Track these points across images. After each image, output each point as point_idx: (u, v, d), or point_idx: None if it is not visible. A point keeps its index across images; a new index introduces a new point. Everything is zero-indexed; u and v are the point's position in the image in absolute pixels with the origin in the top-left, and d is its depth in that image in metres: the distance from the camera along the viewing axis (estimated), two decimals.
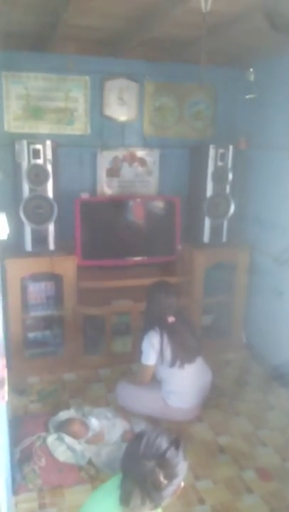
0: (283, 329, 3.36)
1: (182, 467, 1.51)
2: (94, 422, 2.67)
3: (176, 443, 1.52)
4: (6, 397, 1.74)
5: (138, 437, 1.54)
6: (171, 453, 1.48)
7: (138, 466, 1.45)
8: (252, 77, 3.47)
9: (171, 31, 2.82)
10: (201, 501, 2.32)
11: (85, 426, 2.65)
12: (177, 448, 1.51)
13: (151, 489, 1.43)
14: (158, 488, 1.44)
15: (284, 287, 3.31)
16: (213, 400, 3.08)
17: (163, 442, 1.49)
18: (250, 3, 2.24)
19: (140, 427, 2.75)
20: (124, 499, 1.46)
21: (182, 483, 1.53)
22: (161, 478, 1.44)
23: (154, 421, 2.83)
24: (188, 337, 2.89)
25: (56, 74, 3.41)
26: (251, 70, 3.46)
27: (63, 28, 2.77)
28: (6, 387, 1.72)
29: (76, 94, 3.49)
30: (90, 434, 2.62)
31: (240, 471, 2.53)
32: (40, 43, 3.15)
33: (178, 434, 1.87)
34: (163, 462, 1.45)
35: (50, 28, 2.83)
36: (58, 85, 3.44)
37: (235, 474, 2.51)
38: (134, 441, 1.56)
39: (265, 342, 3.64)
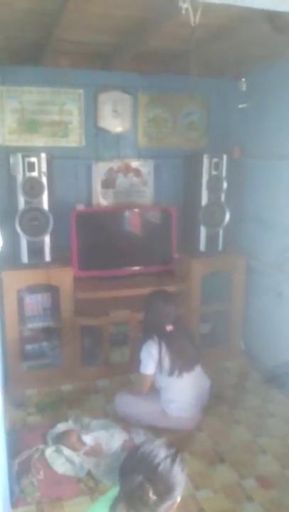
0: (282, 336, 3.36)
1: (179, 481, 1.44)
2: (87, 438, 2.64)
3: (172, 457, 1.46)
4: (3, 410, 1.73)
5: (134, 449, 1.52)
6: (164, 468, 1.42)
7: (127, 480, 1.42)
8: (244, 87, 3.51)
9: (162, 44, 2.87)
10: (201, 511, 2.30)
11: (81, 441, 2.64)
12: (173, 462, 1.45)
13: (138, 504, 1.39)
14: (145, 503, 1.38)
15: (283, 290, 3.31)
16: (212, 408, 3.07)
17: (158, 456, 1.44)
18: (239, 16, 2.28)
19: (140, 437, 2.74)
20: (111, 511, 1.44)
21: (179, 498, 1.47)
22: (150, 494, 1.38)
23: (153, 431, 2.82)
24: (187, 345, 2.89)
25: (50, 87, 3.45)
26: (243, 80, 3.50)
27: (56, 43, 2.81)
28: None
29: (70, 107, 3.53)
30: (88, 446, 2.61)
31: (240, 479, 2.52)
32: (33, 57, 3.19)
33: (177, 443, 1.85)
34: (154, 477, 1.40)
35: (43, 42, 2.88)
36: (53, 99, 3.47)
37: (235, 483, 2.49)
38: (130, 453, 1.53)
39: (263, 349, 3.64)
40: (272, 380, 3.25)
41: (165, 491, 1.41)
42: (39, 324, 3.43)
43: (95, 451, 2.58)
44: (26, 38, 2.83)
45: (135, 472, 1.41)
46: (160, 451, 1.46)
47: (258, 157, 3.54)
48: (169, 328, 2.86)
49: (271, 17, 2.24)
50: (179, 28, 2.30)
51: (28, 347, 3.50)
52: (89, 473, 2.47)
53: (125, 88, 3.63)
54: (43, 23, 2.49)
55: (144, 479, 1.39)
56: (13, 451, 2.50)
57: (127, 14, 2.35)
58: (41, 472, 2.45)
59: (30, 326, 3.40)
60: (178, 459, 1.48)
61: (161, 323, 2.85)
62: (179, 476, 1.45)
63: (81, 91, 3.53)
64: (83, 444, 2.62)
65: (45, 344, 3.54)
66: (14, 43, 2.95)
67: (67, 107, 3.52)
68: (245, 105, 3.63)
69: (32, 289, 3.39)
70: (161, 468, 1.42)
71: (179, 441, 2.70)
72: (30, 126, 3.45)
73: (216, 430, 2.93)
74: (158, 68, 3.54)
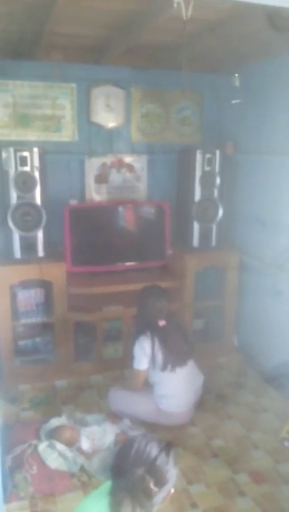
0: (275, 332, 3.38)
1: (172, 474, 1.50)
2: (84, 441, 2.64)
3: (166, 449, 1.51)
4: None
5: (128, 444, 1.54)
6: (161, 460, 1.47)
7: (128, 474, 1.44)
8: (237, 83, 3.52)
9: (154, 38, 2.85)
10: (194, 505, 2.31)
11: (77, 432, 2.64)
12: (168, 454, 1.50)
13: (141, 497, 1.42)
14: (149, 495, 1.43)
15: (279, 288, 3.32)
16: (205, 403, 3.08)
17: (153, 449, 1.49)
18: (232, 10, 2.27)
19: (134, 431, 2.75)
20: (115, 507, 1.45)
21: (172, 490, 1.53)
22: (152, 486, 1.43)
23: (147, 425, 2.82)
24: (180, 341, 2.89)
25: (43, 81, 3.43)
26: (236, 75, 3.51)
27: (48, 37, 2.79)
28: None
29: (63, 102, 3.51)
30: (83, 444, 2.61)
31: (233, 474, 2.53)
32: (25, 51, 3.17)
33: (170, 438, 1.87)
34: (153, 469, 1.45)
35: (35, 36, 2.85)
36: (45, 93, 3.45)
37: (228, 478, 2.50)
38: (124, 448, 1.55)
39: (256, 345, 3.65)
40: (270, 381, 3.26)
41: (163, 482, 1.46)
42: (32, 320, 3.41)
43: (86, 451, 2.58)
44: (18, 31, 2.80)
45: (135, 465, 1.44)
46: (154, 445, 1.50)
47: (251, 153, 3.54)
48: (162, 323, 2.86)
49: (269, 15, 2.23)
50: (171, 22, 2.28)
51: (22, 342, 3.49)
52: (82, 468, 2.47)
53: (118, 83, 3.61)
54: (35, 16, 2.46)
55: (145, 472, 1.43)
56: (6, 447, 2.50)
57: (119, 8, 2.33)
58: (34, 467, 2.45)
59: (23, 321, 3.39)
60: (171, 452, 1.52)
61: (153, 319, 2.86)
62: (173, 469, 1.51)
63: (74, 85, 3.51)
64: (79, 434, 2.62)
65: (38, 340, 3.53)
66: (6, 36, 2.91)
67: (59, 101, 3.50)
68: (238, 101, 3.62)
69: (25, 285, 3.38)
70: (158, 461, 1.46)
71: (172, 436, 2.71)
72: (22, 120, 3.43)
73: (209, 425, 2.94)
74: (151, 63, 3.52)
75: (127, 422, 2.83)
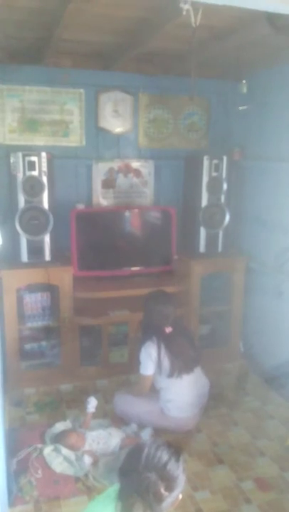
0: (281, 338, 3.37)
1: (182, 479, 1.50)
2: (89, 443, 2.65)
3: (176, 455, 1.52)
4: (2, 409, 1.73)
5: (138, 449, 1.53)
6: (172, 465, 1.47)
7: (140, 478, 1.44)
8: (245, 89, 3.52)
9: (163, 45, 2.87)
10: None
11: (82, 437, 2.64)
12: (177, 460, 1.50)
13: (152, 501, 1.42)
14: (159, 499, 1.43)
15: (286, 294, 3.31)
16: (211, 409, 3.07)
17: (164, 454, 1.48)
18: (240, 17, 2.28)
19: (144, 432, 2.76)
20: (126, 510, 1.45)
21: (180, 495, 1.53)
22: (162, 490, 1.43)
23: (152, 431, 2.82)
24: (186, 347, 2.88)
25: (51, 87, 3.46)
26: (244, 81, 3.51)
27: (57, 43, 2.81)
28: None
29: (71, 107, 3.53)
30: (87, 447, 2.60)
31: (238, 481, 2.52)
32: (34, 56, 3.20)
33: (176, 443, 1.85)
34: (164, 474, 1.45)
35: (44, 42, 2.88)
36: (53, 98, 3.48)
37: (233, 484, 2.49)
38: (134, 452, 1.54)
39: (262, 351, 3.64)
40: (271, 382, 3.25)
41: (173, 487, 1.46)
42: (38, 323, 3.42)
43: (91, 454, 2.58)
44: (27, 37, 2.83)
45: (147, 470, 1.44)
46: (164, 451, 1.50)
47: (258, 159, 3.54)
48: (168, 330, 2.85)
49: (272, 18, 2.24)
50: (179, 29, 2.30)
51: (27, 346, 3.50)
52: (87, 473, 2.47)
53: (126, 88, 3.63)
54: (44, 22, 2.49)
55: (157, 476, 1.43)
56: (11, 450, 2.51)
57: (128, 15, 2.36)
58: (39, 471, 2.45)
59: (29, 325, 3.40)
60: (181, 458, 1.52)
61: (160, 325, 2.85)
62: (182, 474, 1.51)
63: (82, 91, 3.53)
64: (84, 439, 2.62)
65: (44, 343, 3.54)
66: (15, 42, 2.95)
67: (68, 106, 3.52)
68: (245, 107, 3.64)
69: (31, 288, 3.39)
70: (169, 466, 1.47)
71: (178, 441, 2.70)
72: (30, 125, 3.46)
73: (215, 431, 2.93)
74: (159, 69, 3.55)
75: (134, 426, 2.83)
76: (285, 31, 2.31)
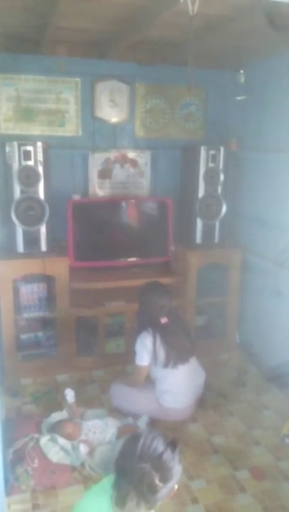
0: (277, 329, 3.38)
1: (177, 470, 1.51)
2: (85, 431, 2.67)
3: (172, 446, 1.52)
4: None
5: (134, 439, 1.53)
6: (167, 456, 1.48)
7: (134, 468, 1.45)
8: (242, 79, 3.51)
9: (160, 34, 2.84)
10: (195, 501, 2.32)
11: (78, 427, 2.65)
12: (173, 451, 1.51)
13: (146, 492, 1.43)
14: (153, 490, 1.43)
15: (282, 287, 3.31)
16: (206, 400, 3.08)
17: (159, 445, 1.49)
18: (238, 6, 2.25)
19: (141, 420, 2.77)
20: (120, 501, 1.46)
21: (176, 486, 1.53)
22: (157, 481, 1.43)
23: (148, 421, 2.83)
24: (182, 338, 2.89)
25: (47, 76, 3.42)
26: (241, 71, 3.50)
27: (53, 31, 2.78)
28: None
29: (67, 96, 3.50)
30: (83, 437, 2.62)
31: (234, 470, 2.54)
32: (30, 45, 3.16)
33: (171, 434, 1.87)
34: (159, 465, 1.45)
35: (40, 30, 2.85)
36: (49, 87, 3.44)
37: (228, 474, 2.51)
38: (130, 442, 1.54)
39: (258, 342, 3.65)
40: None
41: (168, 478, 1.46)
42: (35, 314, 3.42)
43: (87, 443, 2.59)
44: (23, 25, 2.79)
45: (142, 460, 1.44)
46: (160, 441, 1.50)
47: (256, 150, 3.53)
48: (164, 320, 2.86)
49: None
50: (177, 18, 2.28)
51: (24, 337, 3.50)
52: (83, 462, 2.48)
53: (122, 78, 3.60)
54: (40, 10, 2.46)
55: (151, 467, 1.43)
56: (7, 440, 2.51)
57: (125, 2, 2.32)
58: (36, 461, 2.46)
59: (25, 315, 3.40)
60: (177, 449, 1.52)
61: (155, 316, 2.86)
62: (178, 465, 1.51)
63: (78, 80, 3.50)
64: (80, 429, 2.63)
65: (40, 334, 3.54)
66: (11, 30, 2.91)
67: (63, 95, 3.49)
68: (243, 97, 3.61)
69: (28, 279, 3.38)
70: (164, 456, 1.46)
71: (174, 432, 2.72)
72: (26, 114, 3.43)
73: (210, 422, 2.95)
74: (156, 58, 3.51)
75: (130, 420, 2.83)
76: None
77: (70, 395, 2.82)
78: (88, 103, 3.57)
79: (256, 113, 3.51)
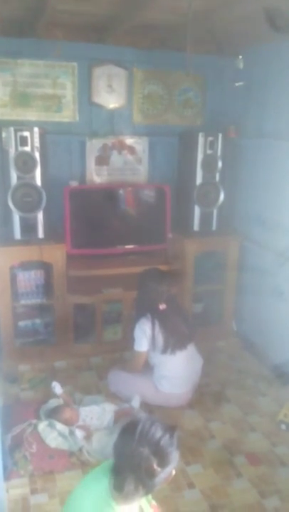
0: (273, 317, 3.39)
1: (175, 455, 1.51)
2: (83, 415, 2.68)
3: (170, 431, 1.52)
4: None
5: (133, 424, 1.54)
6: (165, 441, 1.48)
7: (133, 453, 1.45)
8: (241, 65, 3.46)
9: (158, 17, 2.80)
10: (191, 485, 2.34)
11: (76, 412, 2.66)
12: (171, 436, 1.51)
13: (145, 476, 1.43)
14: (151, 475, 1.44)
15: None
16: (203, 386, 3.11)
17: (158, 430, 1.49)
18: None
19: (134, 401, 2.78)
20: (118, 485, 1.47)
21: (174, 471, 1.54)
22: (155, 466, 1.44)
23: (146, 407, 2.85)
24: (180, 324, 2.90)
25: (43, 60, 3.37)
26: (240, 57, 3.45)
27: (50, 14, 2.73)
28: None
29: (64, 81, 3.45)
30: (81, 422, 2.63)
31: (230, 455, 2.56)
32: (27, 28, 3.11)
33: (169, 419, 1.88)
34: (157, 450, 1.45)
35: (37, 13, 2.80)
36: (46, 72, 3.40)
37: (224, 459, 2.54)
38: (128, 427, 1.55)
39: (255, 330, 3.67)
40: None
41: (166, 463, 1.46)
42: (32, 301, 3.42)
43: (84, 428, 2.60)
44: (19, 8, 2.75)
45: (140, 445, 1.44)
46: (158, 427, 1.50)
47: (254, 136, 3.50)
48: (162, 306, 2.87)
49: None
50: (175, 0, 2.24)
51: (21, 323, 3.50)
52: (81, 447, 2.50)
53: (120, 63, 3.55)
54: None
55: (150, 452, 1.43)
56: (6, 426, 2.53)
57: None
58: (34, 446, 2.47)
59: (23, 302, 3.40)
60: (175, 434, 1.52)
61: (154, 302, 2.86)
62: (176, 451, 1.51)
63: (75, 64, 3.45)
64: (78, 415, 2.65)
65: (38, 321, 3.55)
66: (7, 13, 2.86)
67: (60, 80, 3.44)
68: (241, 83, 3.58)
69: (25, 266, 3.37)
70: (162, 442, 1.46)
71: (171, 417, 2.74)
72: (22, 99, 3.38)
73: (207, 408, 2.97)
74: (154, 43, 3.47)
75: (126, 405, 2.85)
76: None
77: (57, 387, 2.81)
78: (85, 88, 3.52)
79: (255, 99, 3.47)
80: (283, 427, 2.77)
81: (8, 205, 3.12)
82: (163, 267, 3.27)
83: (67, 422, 2.60)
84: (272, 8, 2.21)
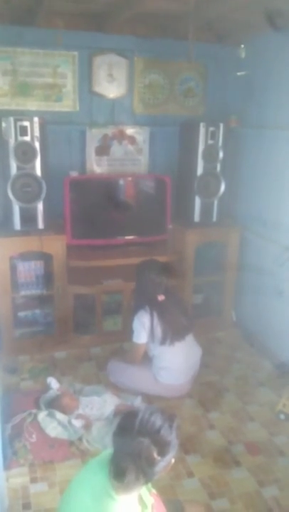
0: (273, 308, 3.39)
1: (174, 444, 1.52)
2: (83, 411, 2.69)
3: (170, 420, 1.53)
4: None
5: (132, 414, 1.54)
6: (165, 430, 1.48)
7: (133, 442, 1.46)
8: (243, 54, 3.43)
9: (159, 5, 2.76)
10: (190, 474, 2.36)
11: (76, 401, 2.68)
12: (171, 425, 1.52)
13: (145, 465, 1.44)
14: (151, 464, 1.44)
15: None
16: (202, 376, 3.12)
17: (157, 419, 1.49)
18: None
19: (136, 400, 2.80)
20: (119, 475, 1.47)
21: (173, 460, 1.55)
22: (155, 455, 1.45)
23: (145, 397, 2.86)
24: (178, 315, 2.90)
25: (44, 49, 3.34)
26: (242, 46, 3.42)
27: (50, 2, 2.70)
28: None
29: (64, 70, 3.42)
30: (80, 411, 2.65)
31: (229, 445, 2.58)
32: (27, 17, 3.07)
33: (168, 410, 1.88)
34: (157, 439, 1.46)
35: (36, 1, 2.76)
36: (46, 60, 3.36)
37: (223, 448, 2.56)
38: (128, 417, 1.55)
39: (254, 320, 3.67)
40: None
41: (166, 452, 1.47)
42: (32, 292, 3.42)
43: (83, 417, 2.62)
44: None
45: (140, 434, 1.45)
46: (158, 416, 1.51)
47: (256, 127, 3.48)
48: (161, 298, 2.87)
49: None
50: None
51: (21, 314, 3.51)
52: (81, 437, 2.52)
53: (121, 51, 3.51)
54: None
55: (150, 441, 1.44)
56: (6, 415, 2.55)
57: None
58: (34, 435, 2.49)
59: (23, 293, 3.40)
60: (175, 423, 1.53)
61: (152, 294, 2.86)
62: (175, 440, 1.52)
63: (75, 53, 3.41)
64: (77, 402, 2.66)
65: (38, 311, 3.55)
66: (8, 1, 2.82)
67: (60, 69, 3.41)
68: (243, 73, 3.55)
69: (25, 257, 3.36)
70: (162, 431, 1.47)
71: (170, 407, 2.75)
72: (22, 88, 3.36)
73: (206, 398, 2.98)
74: (155, 32, 3.43)
75: (129, 396, 2.86)
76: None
77: (53, 382, 2.84)
78: (86, 77, 3.49)
79: (257, 89, 3.45)
80: (282, 416, 2.79)
81: (8, 196, 3.11)
82: (163, 258, 3.27)
83: (65, 409, 2.62)
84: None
